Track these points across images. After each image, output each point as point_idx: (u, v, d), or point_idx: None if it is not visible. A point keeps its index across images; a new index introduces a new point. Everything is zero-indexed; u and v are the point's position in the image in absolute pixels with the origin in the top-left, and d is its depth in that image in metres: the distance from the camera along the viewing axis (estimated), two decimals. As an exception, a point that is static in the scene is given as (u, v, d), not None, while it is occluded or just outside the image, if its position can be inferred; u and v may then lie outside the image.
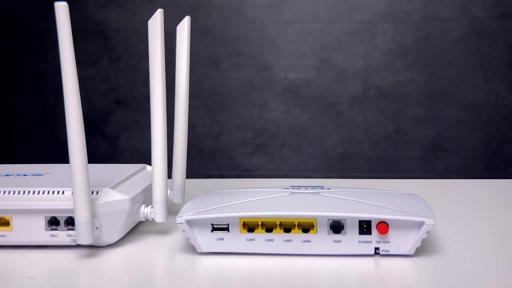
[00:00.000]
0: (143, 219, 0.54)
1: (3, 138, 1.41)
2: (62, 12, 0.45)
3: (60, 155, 1.39)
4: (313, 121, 1.33)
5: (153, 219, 0.54)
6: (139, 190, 0.54)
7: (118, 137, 1.38)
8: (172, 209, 0.57)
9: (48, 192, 0.50)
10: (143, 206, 0.54)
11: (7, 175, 0.56)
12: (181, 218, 0.48)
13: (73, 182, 0.47)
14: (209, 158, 1.35)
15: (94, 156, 1.38)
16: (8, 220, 0.50)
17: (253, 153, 1.35)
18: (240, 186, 0.64)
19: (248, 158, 1.35)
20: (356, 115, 1.33)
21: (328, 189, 0.54)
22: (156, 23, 0.51)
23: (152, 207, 0.53)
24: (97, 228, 0.49)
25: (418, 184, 0.80)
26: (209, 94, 1.33)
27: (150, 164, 0.65)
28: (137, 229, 0.57)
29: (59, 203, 0.50)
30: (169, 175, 0.57)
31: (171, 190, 0.60)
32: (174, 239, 0.54)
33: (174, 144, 0.60)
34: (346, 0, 1.30)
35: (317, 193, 0.53)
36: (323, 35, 1.32)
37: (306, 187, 0.55)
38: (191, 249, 0.50)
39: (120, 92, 1.38)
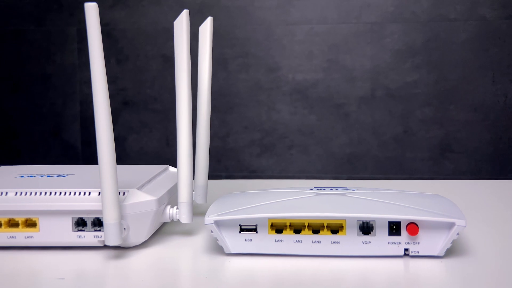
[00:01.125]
0: (168, 220, 0.53)
1: (11, 138, 1.41)
2: (92, 12, 0.45)
3: (67, 156, 1.39)
4: (321, 122, 1.33)
5: (178, 220, 0.53)
6: (164, 191, 0.54)
7: (125, 138, 1.38)
8: (195, 210, 0.56)
9: (75, 193, 0.50)
10: (168, 207, 0.54)
11: (31, 176, 0.56)
12: (210, 218, 0.48)
13: (102, 183, 0.47)
14: (217, 159, 1.35)
15: (102, 157, 1.38)
16: (35, 221, 0.50)
17: (260, 154, 1.35)
18: (258, 187, 0.64)
19: (255, 159, 1.35)
20: (364, 116, 1.33)
21: (353, 190, 0.54)
22: (182, 24, 0.51)
23: (177, 208, 0.53)
24: (124, 229, 0.49)
25: (427, 185, 0.79)
26: (217, 95, 1.32)
27: (167, 163, 0.66)
28: (161, 230, 0.57)
29: (86, 204, 0.49)
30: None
31: (193, 191, 0.60)
32: (200, 240, 0.54)
33: (197, 145, 0.60)
34: (354, 1, 1.30)
35: (343, 194, 0.53)
36: (331, 36, 1.32)
37: (331, 188, 0.55)
38: (218, 250, 0.50)
39: (128, 93, 1.37)
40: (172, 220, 0.54)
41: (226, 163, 1.36)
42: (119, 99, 1.37)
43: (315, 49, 1.33)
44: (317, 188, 0.55)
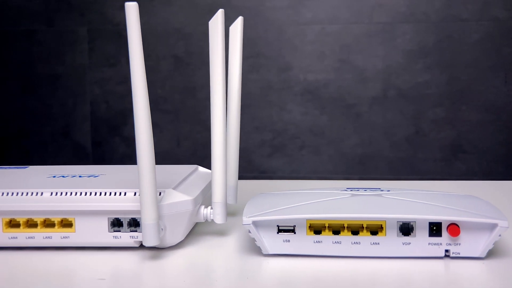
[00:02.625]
0: (202, 220, 0.53)
1: (21, 139, 1.40)
2: (132, 12, 0.44)
3: (77, 156, 1.38)
4: (332, 122, 1.33)
5: (212, 220, 0.53)
6: (199, 191, 0.53)
7: (136, 139, 1.37)
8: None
9: (110, 193, 0.50)
10: (202, 207, 0.53)
11: (63, 176, 0.56)
12: (248, 219, 0.48)
13: (141, 184, 0.46)
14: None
15: (113, 157, 1.38)
16: (71, 221, 0.50)
17: (271, 154, 1.35)
18: (284, 188, 0.64)
19: (266, 160, 1.35)
20: (375, 116, 1.32)
21: (388, 190, 0.54)
22: (217, 24, 0.50)
23: (211, 208, 0.53)
24: (162, 229, 0.48)
25: (439, 186, 0.79)
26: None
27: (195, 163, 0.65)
28: (194, 230, 0.56)
29: (122, 204, 0.49)
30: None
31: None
32: (234, 240, 0.54)
33: (227, 145, 0.60)
34: (366, 1, 1.30)
35: (379, 195, 0.52)
36: (342, 36, 1.32)
37: (365, 189, 0.55)
38: (255, 250, 0.50)
39: (139, 93, 1.37)
40: (206, 220, 0.53)
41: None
42: (130, 100, 1.36)
43: (327, 49, 1.32)
44: (350, 189, 0.55)
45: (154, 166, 0.47)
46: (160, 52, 1.35)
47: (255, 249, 0.50)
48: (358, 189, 0.55)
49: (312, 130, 1.34)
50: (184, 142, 1.37)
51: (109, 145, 1.39)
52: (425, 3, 1.28)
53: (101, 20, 1.36)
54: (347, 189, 0.55)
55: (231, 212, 0.60)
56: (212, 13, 1.37)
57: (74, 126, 1.40)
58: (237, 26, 0.59)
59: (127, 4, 0.44)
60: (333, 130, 1.33)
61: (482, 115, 1.29)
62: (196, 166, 0.63)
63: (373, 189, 0.55)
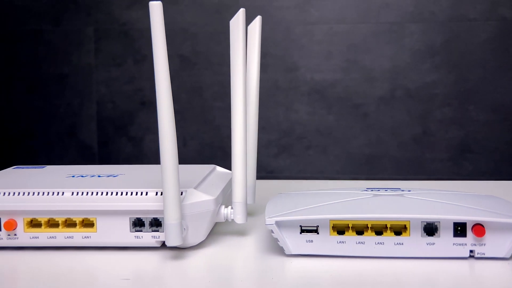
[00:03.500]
0: (222, 220, 0.53)
1: (27, 139, 1.40)
2: (156, 11, 0.44)
3: (83, 156, 1.38)
4: (339, 122, 1.33)
5: (232, 220, 0.53)
6: (219, 190, 0.53)
7: (142, 139, 1.38)
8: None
9: (132, 193, 0.50)
10: (222, 206, 0.53)
11: (82, 176, 0.56)
12: (271, 219, 0.48)
13: (164, 183, 0.46)
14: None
15: (119, 157, 1.38)
16: (92, 221, 0.50)
17: (278, 154, 1.34)
18: (300, 188, 0.64)
19: (273, 160, 1.34)
20: (383, 116, 1.32)
21: (408, 191, 0.54)
22: (238, 23, 0.50)
23: (231, 208, 0.53)
24: (184, 229, 0.48)
25: (451, 186, 0.79)
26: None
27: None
28: (213, 230, 0.56)
29: (144, 204, 0.49)
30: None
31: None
32: (254, 240, 0.54)
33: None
34: (373, 1, 1.30)
35: (401, 195, 0.52)
36: (350, 36, 1.32)
37: (386, 189, 0.54)
38: (277, 250, 0.50)
39: (145, 93, 1.37)
40: (227, 220, 0.53)
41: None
42: (136, 99, 1.37)
43: (334, 49, 1.32)
44: (371, 189, 0.55)
45: (177, 166, 0.47)
46: (167, 51, 1.35)
47: (277, 249, 0.50)
48: (378, 189, 0.55)
49: (319, 130, 1.34)
50: (190, 142, 1.36)
51: (115, 145, 1.39)
52: (432, 2, 1.28)
53: (108, 20, 1.36)
54: (367, 189, 0.55)
55: (249, 212, 0.60)
56: (219, 13, 1.37)
57: (80, 126, 1.39)
58: (256, 25, 0.59)
59: (151, 3, 0.44)
60: (340, 130, 1.33)
61: (489, 115, 1.29)
62: (214, 165, 0.63)
63: (393, 189, 0.54)
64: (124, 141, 1.38)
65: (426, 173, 1.32)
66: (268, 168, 1.35)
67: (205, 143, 1.36)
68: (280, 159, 1.34)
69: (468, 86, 1.29)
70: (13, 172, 0.60)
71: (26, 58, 1.38)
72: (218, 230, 0.56)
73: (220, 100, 1.34)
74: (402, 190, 0.54)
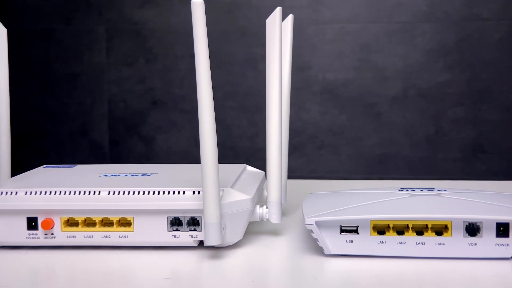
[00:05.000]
0: (257, 220, 0.52)
1: (39, 138, 1.39)
2: (198, 9, 0.44)
3: (95, 156, 1.38)
4: (351, 122, 1.32)
5: (267, 219, 0.52)
6: (254, 190, 0.53)
7: (154, 138, 1.37)
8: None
9: (169, 192, 0.49)
10: (257, 206, 0.53)
11: (115, 175, 0.55)
12: (311, 219, 0.47)
13: (205, 182, 0.46)
14: (245, 159, 1.33)
15: (130, 156, 1.37)
16: (130, 220, 0.49)
17: (290, 154, 1.33)
18: (326, 188, 0.63)
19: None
20: (395, 116, 1.32)
21: (444, 190, 0.53)
22: (275, 22, 0.50)
23: (266, 207, 0.52)
24: (223, 228, 0.48)
25: (462, 185, 0.78)
26: (246, 95, 1.32)
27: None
28: (247, 229, 0.56)
29: (182, 203, 0.49)
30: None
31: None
32: (291, 240, 0.53)
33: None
34: (385, 0, 1.29)
35: (438, 195, 0.52)
36: (362, 35, 1.31)
37: (421, 189, 0.54)
38: (314, 250, 0.49)
39: (157, 92, 1.36)
40: (262, 219, 0.53)
41: (255, 163, 1.33)
42: (147, 99, 1.36)
43: (346, 49, 1.32)
44: (406, 189, 0.55)
45: (217, 165, 0.46)
46: (179, 51, 1.35)
47: (314, 249, 0.50)
48: (413, 189, 0.54)
49: (331, 130, 1.33)
50: (202, 142, 1.36)
51: (126, 144, 1.38)
52: (445, 2, 1.28)
53: (120, 19, 1.36)
54: (402, 189, 0.54)
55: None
56: (231, 12, 1.37)
57: (91, 125, 1.39)
58: (288, 24, 0.59)
59: (193, 1, 0.44)
60: (352, 130, 1.33)
61: (502, 115, 1.29)
62: (244, 165, 0.62)
63: (428, 189, 0.54)
64: (135, 141, 1.38)
65: (439, 173, 1.32)
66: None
67: (217, 142, 1.35)
68: (292, 158, 1.34)
69: (481, 86, 1.29)
70: (44, 172, 0.60)
71: (37, 58, 1.38)
72: (251, 229, 0.56)
73: (231, 99, 1.33)
74: (438, 190, 0.54)
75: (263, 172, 0.63)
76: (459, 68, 1.29)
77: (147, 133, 1.37)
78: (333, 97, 1.32)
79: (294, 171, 1.34)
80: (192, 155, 1.36)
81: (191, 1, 0.44)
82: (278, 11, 0.50)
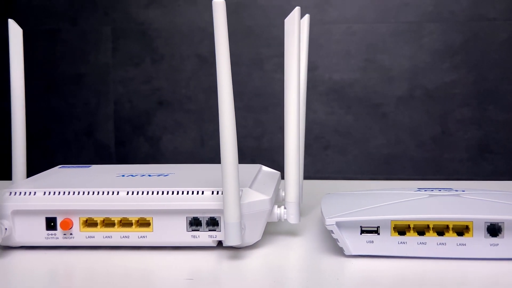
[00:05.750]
0: (275, 220, 0.52)
1: (44, 138, 1.39)
2: (220, 9, 0.43)
3: (100, 156, 1.37)
4: (357, 122, 1.32)
5: (285, 220, 0.52)
6: (272, 190, 0.53)
7: (160, 138, 1.37)
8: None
9: (188, 192, 0.49)
10: (275, 206, 0.52)
11: (132, 176, 0.55)
12: (331, 220, 0.47)
13: (225, 182, 0.45)
14: (251, 160, 1.33)
15: (136, 157, 1.37)
16: (149, 220, 0.49)
17: (296, 154, 1.34)
18: (337, 188, 0.63)
19: (291, 160, 1.34)
20: (402, 116, 1.31)
21: (462, 191, 0.53)
22: (293, 21, 0.50)
23: (284, 208, 0.52)
24: (243, 228, 0.47)
25: (469, 186, 0.78)
26: (252, 95, 1.31)
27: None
28: (264, 230, 0.56)
29: (202, 203, 0.48)
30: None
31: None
32: (309, 240, 0.53)
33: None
34: (392, 0, 1.29)
35: (457, 195, 0.52)
36: (368, 35, 1.31)
37: (439, 189, 0.54)
38: (334, 251, 0.49)
39: (163, 93, 1.36)
40: (280, 220, 0.52)
41: (260, 163, 1.34)
42: (154, 99, 1.36)
43: (352, 49, 1.31)
44: (424, 189, 0.54)
45: (237, 165, 0.46)
46: (185, 51, 1.34)
47: (333, 250, 0.49)
48: (431, 189, 0.54)
49: (337, 130, 1.33)
50: (208, 142, 1.36)
51: (132, 145, 1.38)
52: (452, 2, 1.27)
53: (125, 19, 1.35)
54: (420, 189, 0.54)
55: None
56: (236, 12, 1.36)
57: (97, 126, 1.39)
58: (304, 23, 0.59)
59: (214, 1, 0.44)
60: (358, 130, 1.33)
61: (509, 115, 1.28)
62: (260, 165, 0.62)
63: (446, 189, 0.54)
64: (141, 141, 1.37)
65: (445, 173, 1.32)
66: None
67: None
68: (298, 159, 1.34)
69: (488, 86, 1.28)
70: (60, 172, 0.60)
71: (43, 58, 1.38)
72: (268, 230, 0.56)
73: (237, 100, 1.32)
74: (456, 190, 0.53)
75: (279, 173, 0.63)
76: (466, 68, 1.29)
77: (153, 133, 1.37)
78: (339, 97, 1.32)
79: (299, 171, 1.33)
80: (198, 155, 1.35)
81: (213, 1, 0.43)
82: (297, 11, 0.50)
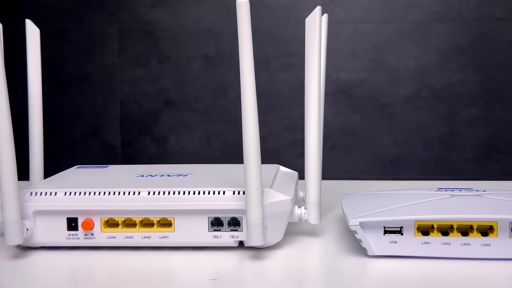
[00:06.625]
0: (296, 220, 0.52)
1: (51, 139, 1.39)
2: (243, 9, 0.43)
3: (107, 156, 1.37)
4: (364, 122, 1.32)
5: (305, 220, 0.52)
6: (293, 190, 0.52)
7: (167, 138, 1.37)
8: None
9: (209, 192, 0.49)
10: (296, 207, 0.52)
11: (151, 176, 0.55)
12: (355, 220, 0.47)
13: (248, 183, 0.45)
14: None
15: (143, 157, 1.37)
16: (170, 221, 0.49)
17: (302, 154, 1.33)
18: (353, 188, 0.63)
19: (297, 160, 1.34)
20: (409, 116, 1.31)
21: (483, 191, 0.53)
22: (314, 21, 0.49)
23: (305, 208, 0.52)
24: (265, 228, 0.47)
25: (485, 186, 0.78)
26: (258, 95, 1.30)
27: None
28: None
29: (223, 203, 0.48)
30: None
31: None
32: (330, 240, 0.53)
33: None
34: (399, 0, 1.29)
35: (479, 195, 0.51)
36: (375, 35, 1.31)
37: (460, 189, 0.54)
38: (356, 251, 0.49)
39: (169, 93, 1.36)
40: (300, 220, 0.52)
41: (267, 163, 1.34)
42: (160, 99, 1.36)
43: (359, 49, 1.31)
44: (444, 189, 0.54)
45: (260, 165, 0.46)
46: (191, 51, 1.34)
47: (355, 250, 0.49)
48: (452, 189, 0.54)
49: (344, 130, 1.33)
50: (214, 142, 1.36)
51: (139, 145, 1.38)
52: (459, 2, 1.27)
53: (132, 19, 1.35)
54: (440, 190, 0.54)
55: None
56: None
57: (104, 126, 1.38)
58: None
59: (238, 1, 0.43)
60: (365, 130, 1.32)
61: (516, 114, 1.29)
62: (277, 165, 0.62)
63: (467, 189, 0.54)
64: (148, 141, 1.37)
65: (452, 173, 1.32)
66: (292, 168, 1.33)
67: (230, 143, 1.35)
68: (304, 159, 1.33)
69: (495, 86, 1.28)
70: (78, 172, 0.59)
71: (50, 58, 1.37)
72: (288, 230, 0.55)
73: (244, 100, 1.33)
74: (477, 191, 0.53)
75: (297, 173, 0.63)
76: (473, 68, 1.29)
77: (159, 133, 1.37)
78: (346, 97, 1.32)
79: (307, 172, 1.33)
80: (205, 156, 1.35)
81: (237, 1, 0.43)
82: (318, 10, 0.50)
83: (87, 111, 1.38)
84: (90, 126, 1.39)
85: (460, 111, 1.30)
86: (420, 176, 1.32)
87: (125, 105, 1.37)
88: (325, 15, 0.59)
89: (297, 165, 1.31)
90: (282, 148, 1.34)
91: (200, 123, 1.36)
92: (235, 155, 1.34)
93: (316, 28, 0.50)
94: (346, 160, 1.33)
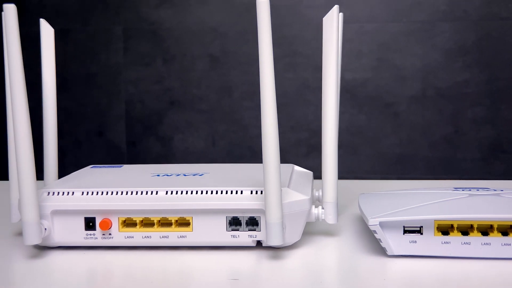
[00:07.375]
0: (313, 220, 0.52)
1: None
2: (264, 8, 0.43)
3: (111, 156, 1.37)
4: (370, 121, 1.32)
5: (323, 220, 0.52)
6: (309, 190, 0.52)
7: (171, 138, 1.36)
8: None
9: (227, 191, 0.49)
10: (313, 206, 0.52)
11: (167, 175, 0.55)
12: (375, 220, 0.47)
13: (267, 182, 0.45)
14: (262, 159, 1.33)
15: (147, 157, 1.37)
16: (188, 220, 0.49)
17: (307, 154, 1.33)
18: (367, 188, 0.62)
19: (302, 159, 1.33)
20: (414, 115, 1.31)
21: (501, 190, 0.53)
22: (332, 20, 0.49)
23: (322, 208, 0.52)
24: (284, 228, 0.47)
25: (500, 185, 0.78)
26: (263, 95, 1.31)
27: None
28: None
29: (241, 202, 0.48)
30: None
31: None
32: (348, 240, 0.53)
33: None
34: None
35: (497, 194, 0.51)
36: (380, 35, 1.31)
37: (477, 189, 0.53)
38: (374, 251, 0.49)
39: (174, 93, 1.36)
40: (318, 220, 0.52)
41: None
42: (165, 99, 1.36)
43: (364, 48, 1.31)
44: (461, 188, 0.54)
45: (279, 165, 0.46)
46: (196, 51, 1.34)
47: (374, 250, 0.49)
48: (469, 188, 0.54)
49: (349, 130, 1.33)
50: (219, 142, 1.35)
51: (143, 145, 1.38)
52: (464, 1, 1.27)
53: (136, 19, 1.35)
54: (457, 189, 0.54)
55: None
56: (248, 11, 1.36)
57: (108, 126, 1.38)
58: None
59: (258, 1, 0.43)
60: (370, 130, 1.32)
61: (522, 114, 1.28)
62: (292, 165, 0.62)
63: (484, 189, 0.53)
64: (152, 141, 1.37)
65: (458, 172, 1.31)
66: (297, 168, 1.34)
67: (234, 142, 1.35)
68: (310, 158, 1.33)
69: (500, 85, 1.28)
70: (93, 172, 0.59)
71: (54, 58, 1.37)
72: (305, 230, 0.55)
73: (249, 99, 1.33)
74: (494, 190, 0.53)
75: (311, 172, 0.62)
76: (478, 68, 1.28)
77: (164, 133, 1.36)
78: (351, 97, 1.32)
79: (312, 171, 1.33)
80: (209, 155, 1.35)
81: (257, 1, 0.43)
82: (335, 9, 0.49)
83: (91, 111, 1.38)
84: (95, 126, 1.38)
85: (465, 111, 1.30)
86: (426, 176, 1.32)
87: (129, 105, 1.37)
88: (341, 14, 0.58)
89: (302, 164, 1.30)
90: (287, 147, 1.33)
91: (205, 123, 1.35)
92: (240, 155, 1.34)
93: (333, 27, 0.50)
94: (351, 159, 1.33)
